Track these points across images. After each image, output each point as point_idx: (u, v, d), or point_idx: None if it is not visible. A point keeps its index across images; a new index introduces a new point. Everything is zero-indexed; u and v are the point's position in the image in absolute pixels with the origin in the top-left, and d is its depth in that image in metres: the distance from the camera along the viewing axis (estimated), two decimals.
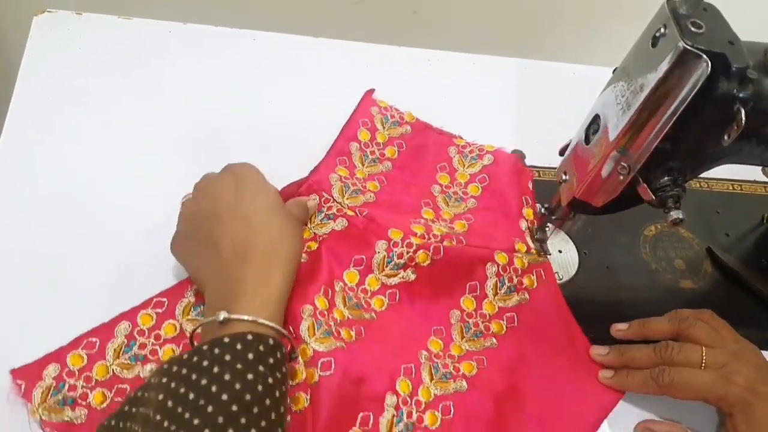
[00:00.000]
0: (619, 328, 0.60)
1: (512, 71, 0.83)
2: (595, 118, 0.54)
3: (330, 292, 0.56)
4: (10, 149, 0.62)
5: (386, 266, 0.59)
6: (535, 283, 0.62)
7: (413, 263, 0.59)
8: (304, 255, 0.57)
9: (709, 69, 0.45)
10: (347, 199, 0.62)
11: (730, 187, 0.78)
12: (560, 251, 0.67)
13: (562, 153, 0.61)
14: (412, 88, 0.77)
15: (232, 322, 0.46)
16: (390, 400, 0.53)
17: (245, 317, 0.46)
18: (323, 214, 0.60)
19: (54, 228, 0.58)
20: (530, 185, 0.68)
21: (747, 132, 0.48)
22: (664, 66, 0.46)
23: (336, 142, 0.67)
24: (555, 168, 0.60)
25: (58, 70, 0.68)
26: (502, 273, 0.61)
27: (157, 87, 0.70)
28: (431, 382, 0.56)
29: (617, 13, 1.07)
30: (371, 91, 0.72)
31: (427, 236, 0.60)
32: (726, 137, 0.48)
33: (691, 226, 0.72)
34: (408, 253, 0.59)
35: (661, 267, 0.69)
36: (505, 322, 0.60)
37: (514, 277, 0.61)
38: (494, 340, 0.59)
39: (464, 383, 0.56)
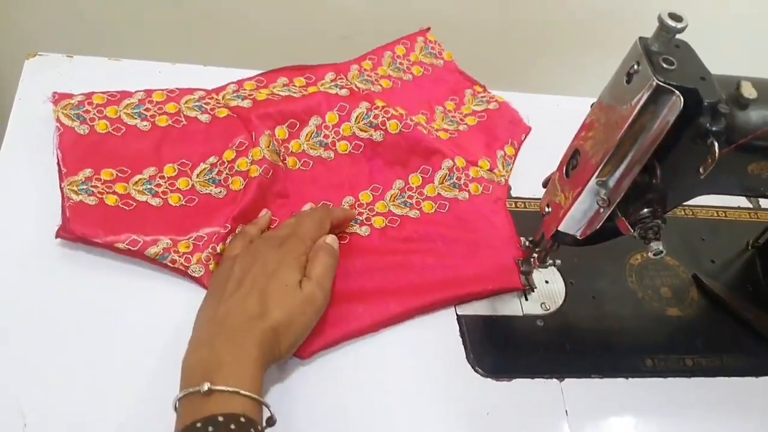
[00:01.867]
0: None
1: None
2: (575, 153, 0.55)
3: (297, 124, 0.68)
4: (2, 191, 0.62)
5: (362, 120, 0.69)
6: (480, 191, 0.71)
7: (384, 127, 0.69)
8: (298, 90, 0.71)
9: (682, 104, 0.47)
10: (359, 81, 0.73)
11: (715, 214, 0.79)
12: (546, 282, 0.67)
13: (545, 185, 0.61)
14: None
15: (215, 393, 0.47)
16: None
17: (228, 389, 0.47)
18: (331, 80, 0.72)
19: (51, 268, 0.59)
20: (523, 137, 0.78)
21: (722, 164, 0.49)
22: (639, 102, 0.48)
23: (376, 49, 0.78)
24: (539, 199, 0.61)
25: (50, 113, 0.69)
26: (455, 171, 0.71)
27: None
28: None
29: (599, 45, 1.09)
30: (428, 29, 0.83)
31: (405, 116, 0.70)
32: (701, 170, 0.49)
33: (676, 253, 0.73)
34: (383, 117, 0.69)
35: (648, 295, 0.69)
36: (436, 206, 0.70)
37: (463, 177, 0.71)
38: (418, 212, 0.69)
39: (368, 229, 0.67)
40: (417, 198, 0.70)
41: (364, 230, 0.67)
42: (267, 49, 1.05)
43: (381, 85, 0.75)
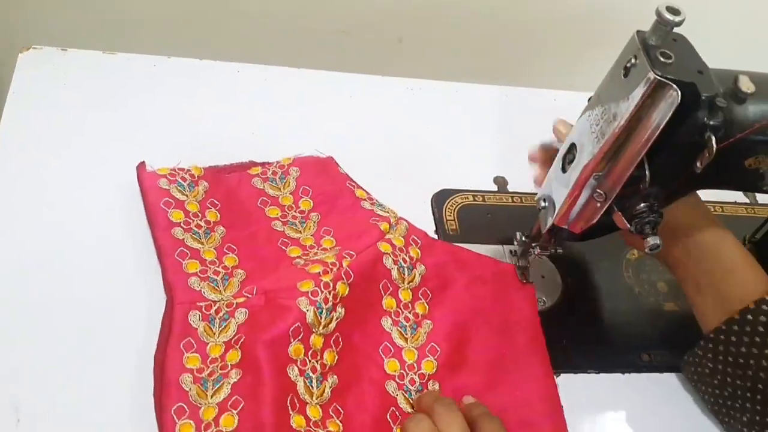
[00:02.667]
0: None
1: (494, 98, 0.84)
2: (571, 147, 0.55)
3: (293, 398, 0.53)
4: None
5: (321, 318, 0.56)
6: (419, 252, 0.64)
7: (338, 300, 0.58)
8: (235, 370, 0.53)
9: (679, 98, 0.46)
10: (225, 291, 0.58)
11: (713, 209, 0.79)
12: (543, 277, 0.67)
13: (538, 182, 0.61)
14: (396, 116, 0.79)
15: None
16: None
17: None
18: (217, 319, 0.56)
19: (39, 264, 0.58)
20: (340, 170, 0.69)
21: (719, 159, 0.49)
22: (636, 96, 0.47)
23: (157, 241, 0.60)
24: (536, 194, 0.61)
25: (44, 106, 0.69)
26: (396, 257, 0.62)
27: (143, 120, 0.70)
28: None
29: (597, 39, 1.09)
30: (142, 165, 0.64)
31: (328, 268, 0.58)
32: (698, 164, 0.49)
33: None
34: (331, 292, 0.57)
35: (645, 290, 0.69)
36: (423, 300, 0.62)
37: (405, 256, 0.63)
38: (428, 321, 0.61)
39: (436, 386, 0.58)
40: (408, 313, 0.62)
41: (434, 389, 0.58)
42: (264, 43, 1.04)
43: (235, 267, 0.61)
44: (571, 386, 0.61)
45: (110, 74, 0.73)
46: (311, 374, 0.55)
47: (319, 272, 0.58)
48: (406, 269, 0.62)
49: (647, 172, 0.51)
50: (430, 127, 0.79)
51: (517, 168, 0.75)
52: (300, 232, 0.65)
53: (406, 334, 0.60)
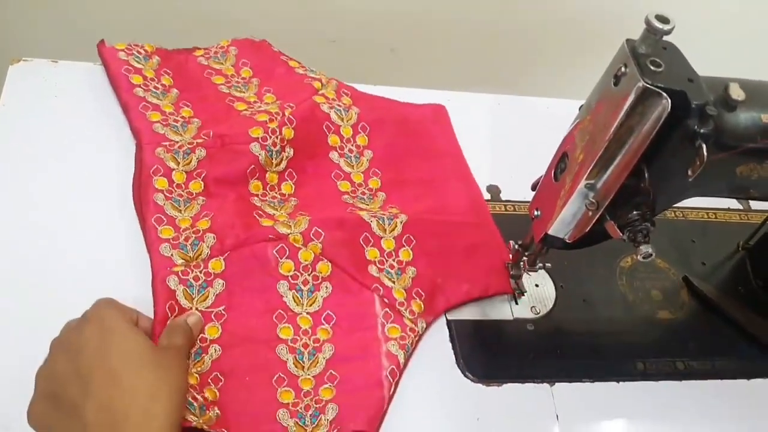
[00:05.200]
0: None
1: (487, 107, 0.84)
2: (563, 156, 0.55)
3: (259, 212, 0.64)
4: None
5: (272, 159, 0.67)
6: (350, 100, 0.75)
7: (285, 142, 0.68)
8: (200, 198, 0.63)
9: (670, 106, 0.46)
10: (185, 134, 0.67)
11: (705, 216, 0.79)
12: (537, 285, 0.67)
13: (534, 187, 0.61)
14: None
15: None
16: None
17: None
18: (181, 152, 0.64)
19: (30, 275, 0.58)
20: (274, 49, 0.79)
21: (710, 167, 0.49)
22: (626, 104, 0.47)
23: (122, 99, 0.69)
24: (528, 202, 0.61)
25: (35, 118, 0.68)
26: (332, 104, 0.73)
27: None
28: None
29: (588, 47, 1.09)
30: (101, 42, 0.73)
31: (273, 116, 0.68)
32: (690, 172, 0.49)
33: (666, 255, 0.73)
34: (278, 137, 0.67)
35: (638, 298, 0.69)
36: (363, 134, 0.74)
37: (339, 103, 0.74)
38: (369, 151, 0.73)
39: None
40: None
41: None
42: None
43: (191, 117, 0.70)
44: (566, 395, 0.61)
45: (101, 86, 0.72)
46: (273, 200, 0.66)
47: (266, 120, 0.67)
48: (342, 111, 0.73)
49: (639, 181, 0.51)
50: None
51: (510, 176, 0.75)
52: (243, 92, 0.74)
53: (352, 162, 0.72)
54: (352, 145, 0.72)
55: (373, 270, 0.63)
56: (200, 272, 0.59)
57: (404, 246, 0.65)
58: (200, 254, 0.59)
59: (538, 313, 0.65)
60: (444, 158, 0.75)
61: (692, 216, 0.78)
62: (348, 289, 0.62)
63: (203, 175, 0.64)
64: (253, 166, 0.66)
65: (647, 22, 0.47)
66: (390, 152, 0.74)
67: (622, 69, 0.48)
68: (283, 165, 0.68)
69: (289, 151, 0.68)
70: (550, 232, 0.56)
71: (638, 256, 0.53)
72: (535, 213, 0.59)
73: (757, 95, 0.51)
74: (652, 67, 0.47)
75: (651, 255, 0.52)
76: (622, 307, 0.68)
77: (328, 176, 0.70)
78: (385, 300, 0.61)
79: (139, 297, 0.57)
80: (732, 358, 0.66)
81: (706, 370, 0.65)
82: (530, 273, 0.65)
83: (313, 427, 0.54)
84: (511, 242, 0.64)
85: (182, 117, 0.69)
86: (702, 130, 0.48)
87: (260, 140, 0.66)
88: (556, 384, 0.61)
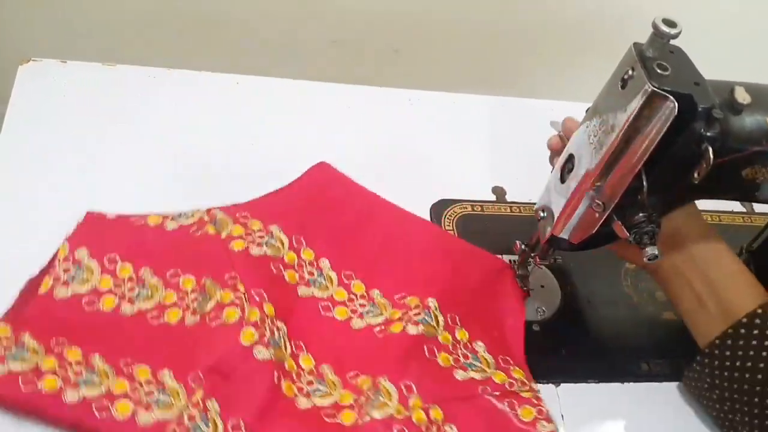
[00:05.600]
0: None
1: (491, 108, 0.84)
2: (570, 157, 0.55)
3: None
4: None
5: (283, 347, 0.55)
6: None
7: (274, 323, 0.56)
8: None
9: (677, 109, 0.47)
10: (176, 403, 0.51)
11: (710, 219, 0.79)
12: (542, 286, 0.67)
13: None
14: (393, 127, 0.79)
15: None
16: None
17: None
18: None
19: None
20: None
21: (716, 169, 0.49)
22: (633, 107, 0.48)
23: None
24: (534, 204, 0.61)
25: (44, 118, 0.69)
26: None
27: (142, 132, 0.71)
28: None
29: (594, 50, 1.10)
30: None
31: (244, 304, 0.56)
32: (696, 175, 0.50)
33: None
34: (270, 321, 0.56)
35: (643, 299, 0.69)
36: None
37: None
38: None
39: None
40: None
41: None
42: (260, 54, 1.05)
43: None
44: (571, 396, 0.61)
45: (110, 86, 0.73)
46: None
47: (241, 315, 0.55)
48: (270, 239, 0.62)
49: (645, 183, 0.51)
50: (427, 137, 0.79)
51: (515, 177, 0.75)
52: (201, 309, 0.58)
53: (319, 283, 0.62)
54: (306, 264, 0.62)
55: (459, 375, 0.58)
56: None
57: (457, 325, 0.61)
58: None
59: (544, 314, 0.65)
60: (368, 210, 0.67)
61: None
62: (468, 411, 0.56)
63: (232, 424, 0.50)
64: (275, 373, 0.53)
65: (654, 26, 0.47)
66: (333, 238, 0.64)
67: (630, 72, 0.49)
68: (289, 347, 0.57)
69: (281, 325, 0.57)
70: (556, 233, 0.57)
71: (644, 258, 0.53)
72: (541, 214, 0.59)
73: (762, 99, 0.51)
74: (659, 71, 0.48)
75: (657, 257, 0.52)
76: (627, 309, 0.68)
77: (321, 319, 0.60)
78: (496, 393, 0.57)
79: None
80: None
81: None
82: (541, 266, 0.65)
83: None
84: (518, 242, 0.64)
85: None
86: (708, 133, 0.49)
87: (260, 340, 0.54)
88: (562, 385, 0.62)
